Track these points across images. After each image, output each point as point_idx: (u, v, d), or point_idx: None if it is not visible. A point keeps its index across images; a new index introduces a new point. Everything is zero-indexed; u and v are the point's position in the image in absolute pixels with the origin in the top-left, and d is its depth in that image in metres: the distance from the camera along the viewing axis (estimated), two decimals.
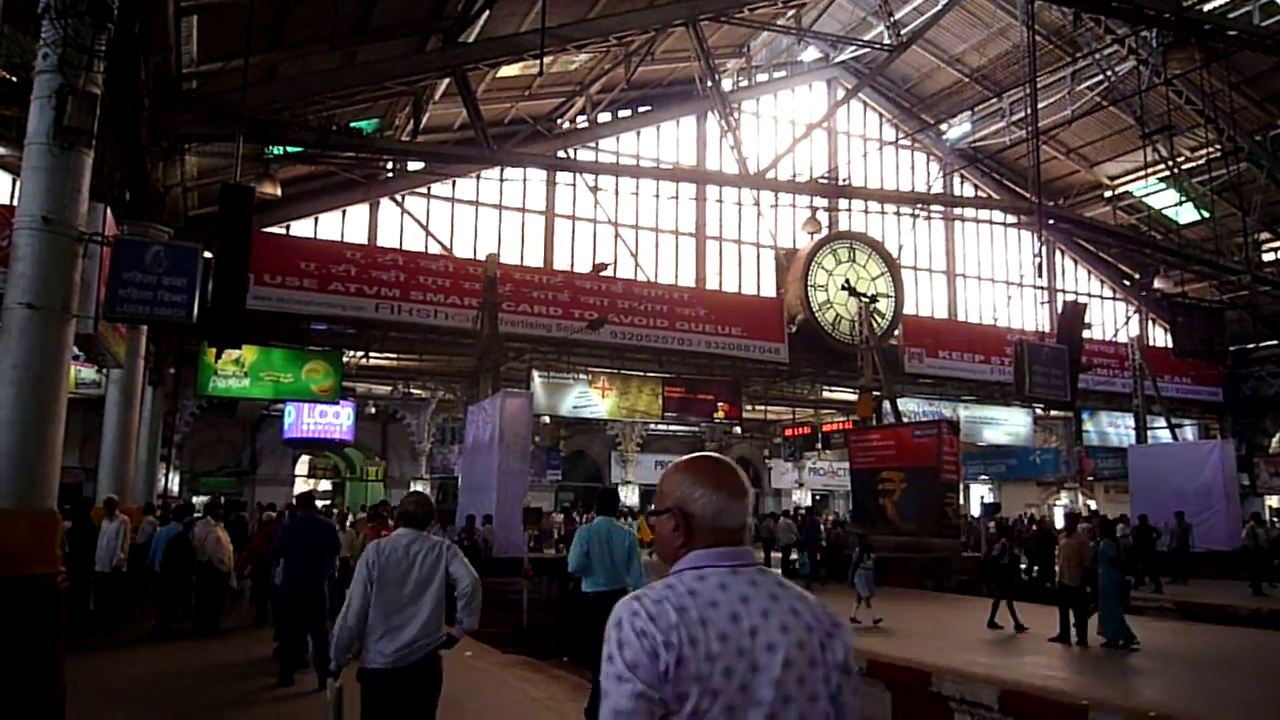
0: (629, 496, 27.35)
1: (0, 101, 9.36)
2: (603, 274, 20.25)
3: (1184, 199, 24.64)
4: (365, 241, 19.76)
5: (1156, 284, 24.02)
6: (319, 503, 24.58)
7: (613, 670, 1.47)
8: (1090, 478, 28.15)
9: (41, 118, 5.95)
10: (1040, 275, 19.44)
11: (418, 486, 25.19)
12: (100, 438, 13.42)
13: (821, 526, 19.17)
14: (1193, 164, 22.57)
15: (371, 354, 20.45)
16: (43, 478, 5.82)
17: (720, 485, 1.63)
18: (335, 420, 22.96)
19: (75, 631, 7.93)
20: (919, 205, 24.22)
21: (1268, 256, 24.21)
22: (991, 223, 26.64)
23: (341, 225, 20.05)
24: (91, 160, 6.26)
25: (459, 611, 4.11)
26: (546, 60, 12.88)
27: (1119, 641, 9.63)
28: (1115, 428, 26.90)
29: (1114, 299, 29.75)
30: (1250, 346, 26.64)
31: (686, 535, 1.62)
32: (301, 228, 19.45)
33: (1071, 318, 15.38)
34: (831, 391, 25.54)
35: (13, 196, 13.68)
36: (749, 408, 24.13)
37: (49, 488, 5.86)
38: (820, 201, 23.32)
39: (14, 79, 8.17)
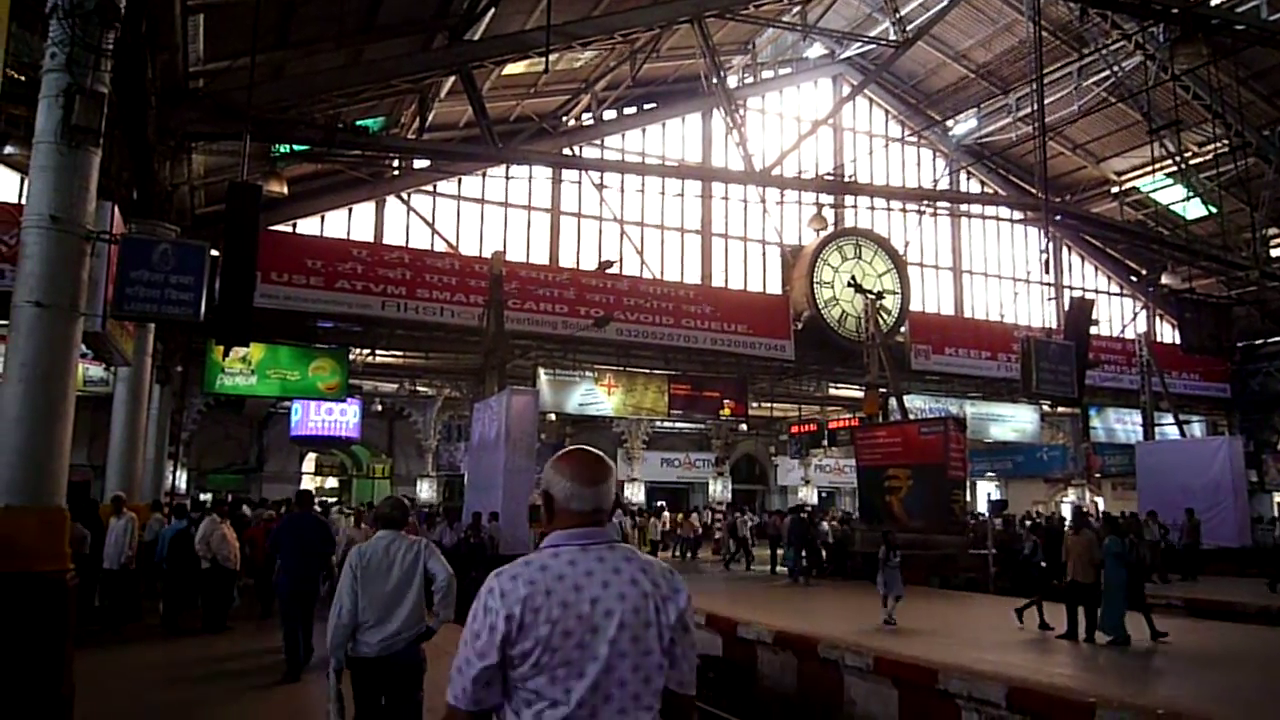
0: (635, 494, 27.33)
1: (8, 100, 9.37)
2: (608, 271, 20.24)
3: (1191, 194, 24.56)
4: (371, 239, 19.82)
5: (1164, 280, 23.86)
6: (328, 500, 24.89)
7: (466, 633, 1.82)
8: (1098, 474, 28.06)
9: (49, 117, 5.97)
10: (1047, 271, 19.40)
11: (424, 484, 25.27)
12: (108, 435, 13.49)
13: (822, 524, 19.12)
14: (1200, 159, 22.48)
15: (378, 351, 20.48)
16: (51, 475, 5.85)
17: (575, 475, 1.92)
18: (342, 418, 23.04)
19: (83, 628, 7.97)
20: (925, 202, 24.19)
21: (1276, 252, 24.05)
22: (998, 219, 26.54)
23: (348, 223, 20.11)
24: (99, 159, 6.27)
25: (436, 604, 4.47)
26: (552, 58, 12.93)
27: (1123, 638, 9.62)
28: (1123, 424, 26.80)
29: (1121, 295, 29.66)
30: (1258, 342, 26.51)
31: (550, 514, 1.94)
32: (308, 226, 19.51)
33: (1078, 314, 15.31)
34: (837, 388, 25.49)
35: (21, 195, 13.73)
36: (755, 405, 24.10)
37: (57, 485, 5.89)
38: (826, 198, 23.29)
39: (22, 78, 8.18)
